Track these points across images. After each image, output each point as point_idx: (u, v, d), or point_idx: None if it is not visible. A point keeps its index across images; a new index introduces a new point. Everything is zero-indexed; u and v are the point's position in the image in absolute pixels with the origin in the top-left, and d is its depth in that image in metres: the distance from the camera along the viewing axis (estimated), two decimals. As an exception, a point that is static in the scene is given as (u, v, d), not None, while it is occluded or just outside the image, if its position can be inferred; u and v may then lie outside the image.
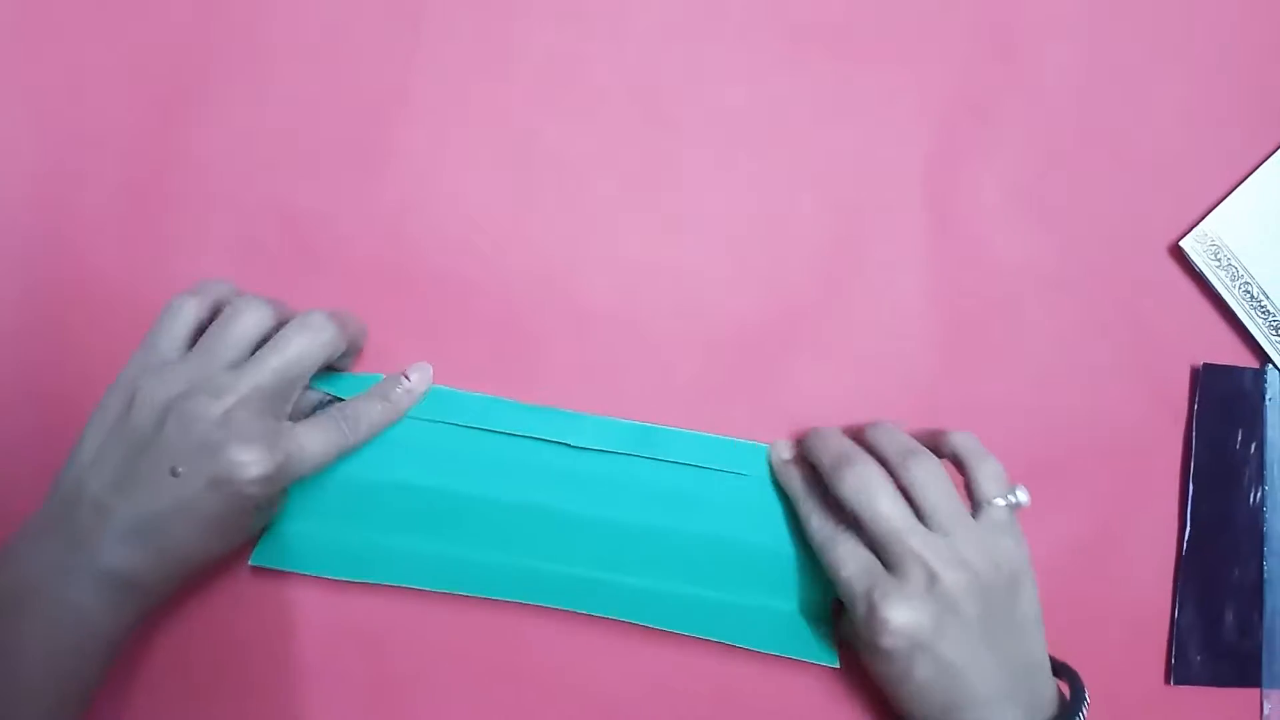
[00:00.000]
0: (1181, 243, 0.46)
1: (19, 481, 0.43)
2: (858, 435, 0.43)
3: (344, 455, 0.41)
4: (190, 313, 0.40)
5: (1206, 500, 0.46)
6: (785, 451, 0.44)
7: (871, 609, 0.39)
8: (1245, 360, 0.47)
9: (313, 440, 0.40)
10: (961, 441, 0.41)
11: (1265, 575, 0.46)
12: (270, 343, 0.40)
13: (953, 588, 0.38)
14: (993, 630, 0.39)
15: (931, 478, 0.40)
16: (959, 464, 0.41)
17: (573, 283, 0.45)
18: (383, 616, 0.43)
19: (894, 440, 0.41)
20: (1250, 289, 0.46)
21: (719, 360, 0.45)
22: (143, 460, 0.37)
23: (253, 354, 0.40)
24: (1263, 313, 0.46)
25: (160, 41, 0.45)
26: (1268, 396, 0.46)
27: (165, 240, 0.44)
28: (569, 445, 0.44)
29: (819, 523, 0.42)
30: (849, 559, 0.40)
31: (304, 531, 0.43)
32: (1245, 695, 0.46)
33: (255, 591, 0.43)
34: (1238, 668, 0.46)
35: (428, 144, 0.45)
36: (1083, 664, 0.45)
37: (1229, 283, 0.46)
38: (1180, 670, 0.45)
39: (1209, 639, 0.45)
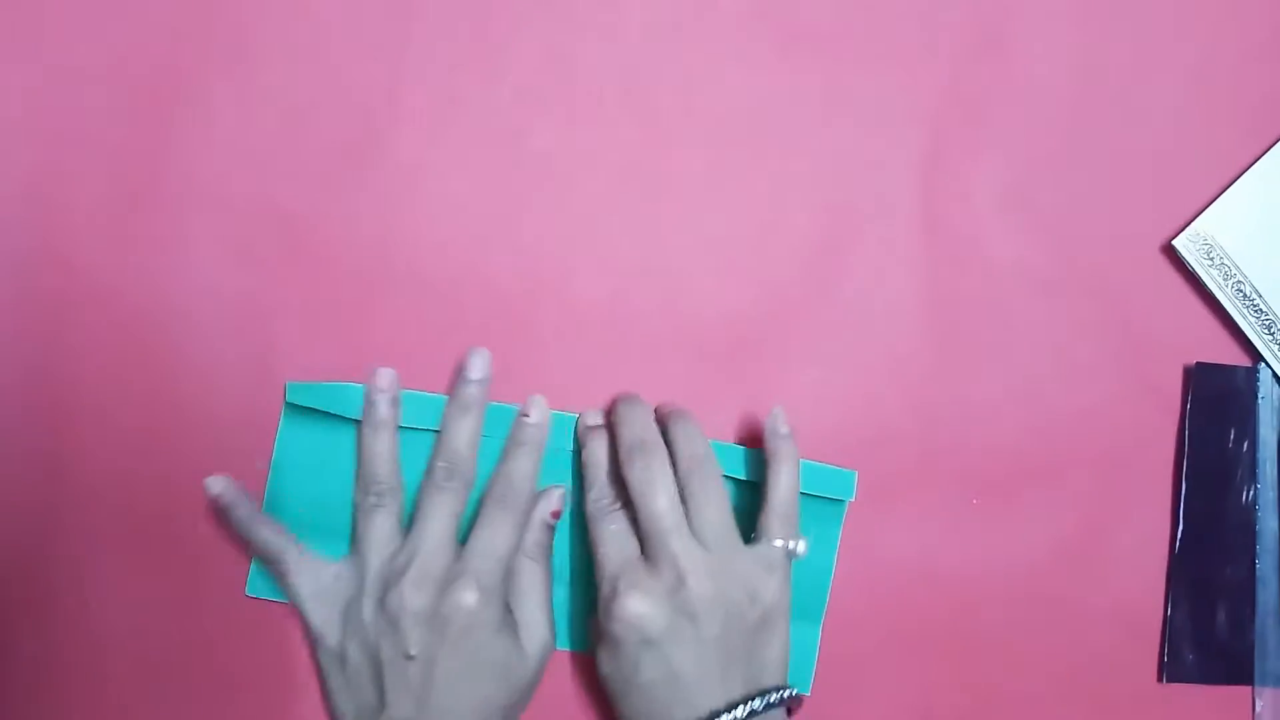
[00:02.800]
0: (1174, 242, 0.46)
1: (8, 482, 0.43)
2: (661, 420, 0.43)
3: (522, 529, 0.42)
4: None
5: (1199, 498, 0.46)
6: (592, 419, 0.44)
7: (614, 592, 0.39)
8: (1238, 359, 0.47)
9: (490, 535, 0.41)
10: (783, 463, 0.42)
11: (1257, 573, 0.46)
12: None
13: (696, 598, 0.39)
14: (730, 657, 0.39)
15: (710, 495, 0.40)
16: (765, 485, 0.42)
17: (563, 284, 0.45)
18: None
19: (689, 444, 0.41)
20: (1243, 288, 0.46)
21: (710, 361, 0.45)
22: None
23: None
24: (1255, 311, 0.46)
25: (149, 42, 0.44)
26: (1260, 395, 0.46)
27: (154, 241, 0.44)
28: (564, 449, 0.44)
29: (597, 495, 0.42)
30: (611, 539, 0.41)
31: None
32: (1237, 693, 0.46)
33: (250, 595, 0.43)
34: (1230, 666, 0.46)
35: (418, 144, 0.45)
36: (1075, 662, 0.45)
37: (1221, 281, 0.46)
38: (1173, 668, 0.46)
39: (1201, 637, 0.46)
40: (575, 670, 0.44)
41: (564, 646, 0.44)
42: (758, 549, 0.41)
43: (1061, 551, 0.46)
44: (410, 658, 0.39)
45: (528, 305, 0.45)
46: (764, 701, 0.39)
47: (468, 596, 0.39)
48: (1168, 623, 0.46)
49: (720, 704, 0.38)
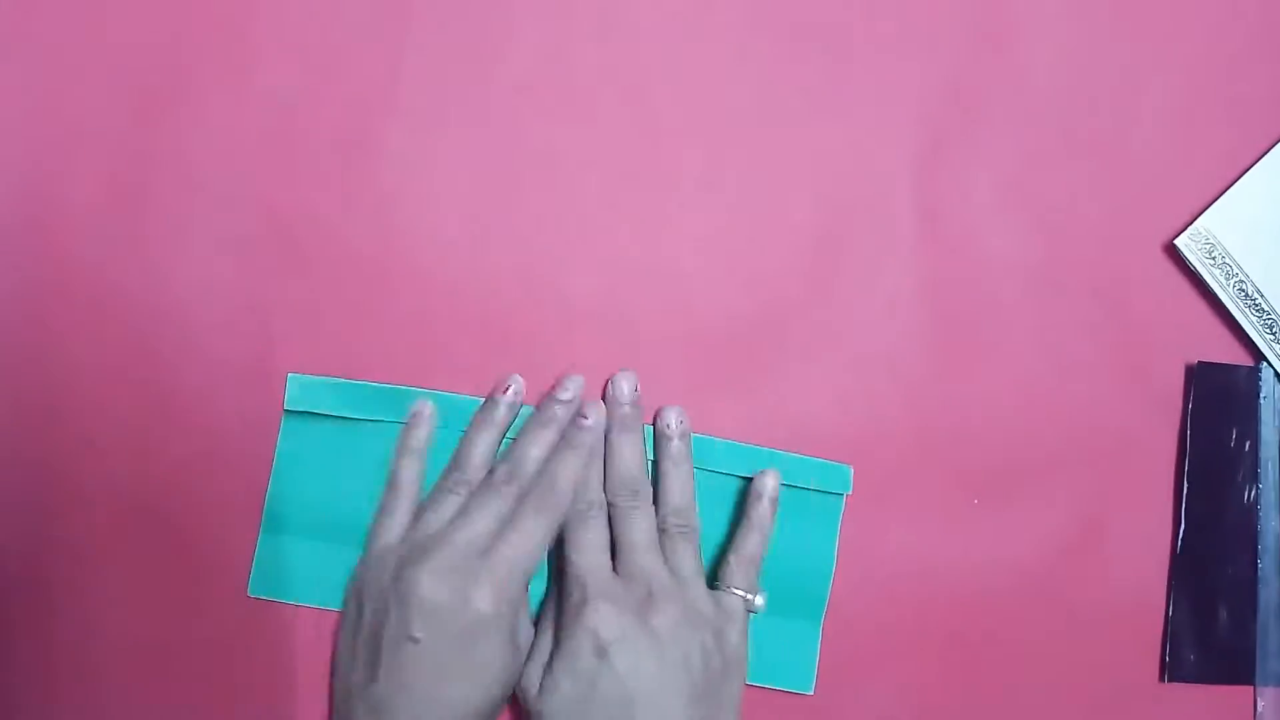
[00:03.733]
0: (1176, 241, 0.46)
1: (7, 481, 0.43)
2: (659, 452, 0.43)
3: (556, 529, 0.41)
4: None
5: (1201, 498, 0.46)
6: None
7: (583, 599, 0.39)
8: (1239, 358, 0.46)
9: (522, 539, 0.40)
10: (757, 528, 0.42)
11: (1259, 573, 0.46)
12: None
13: (665, 618, 0.38)
14: (695, 693, 0.38)
15: (685, 545, 0.41)
16: (734, 537, 0.42)
17: (560, 281, 0.45)
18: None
19: (675, 491, 0.42)
20: (1245, 287, 0.46)
21: (707, 358, 0.45)
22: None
23: None
24: (1257, 310, 0.46)
25: (144, 38, 0.44)
26: (1262, 394, 0.46)
27: (150, 238, 0.44)
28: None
29: (586, 500, 0.42)
30: (589, 546, 0.41)
31: (300, 552, 0.43)
32: (1239, 693, 0.46)
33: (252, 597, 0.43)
34: (1231, 665, 0.46)
35: (415, 141, 0.45)
36: (1076, 661, 0.45)
37: (1223, 280, 0.46)
38: (1174, 668, 0.45)
39: (1203, 637, 0.45)
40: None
41: None
42: (718, 594, 0.41)
43: (1062, 550, 0.46)
44: (414, 640, 0.38)
45: (524, 301, 0.45)
46: None
47: (482, 601, 0.38)
48: (1169, 622, 0.45)
49: None
